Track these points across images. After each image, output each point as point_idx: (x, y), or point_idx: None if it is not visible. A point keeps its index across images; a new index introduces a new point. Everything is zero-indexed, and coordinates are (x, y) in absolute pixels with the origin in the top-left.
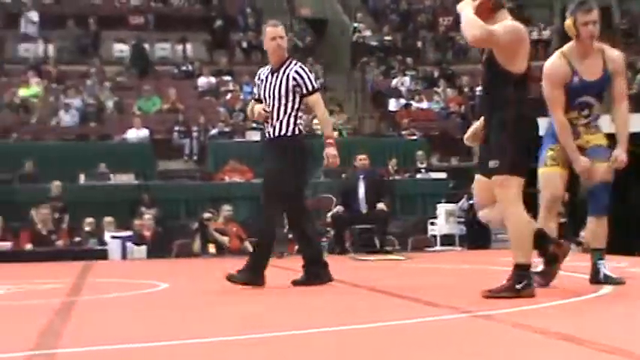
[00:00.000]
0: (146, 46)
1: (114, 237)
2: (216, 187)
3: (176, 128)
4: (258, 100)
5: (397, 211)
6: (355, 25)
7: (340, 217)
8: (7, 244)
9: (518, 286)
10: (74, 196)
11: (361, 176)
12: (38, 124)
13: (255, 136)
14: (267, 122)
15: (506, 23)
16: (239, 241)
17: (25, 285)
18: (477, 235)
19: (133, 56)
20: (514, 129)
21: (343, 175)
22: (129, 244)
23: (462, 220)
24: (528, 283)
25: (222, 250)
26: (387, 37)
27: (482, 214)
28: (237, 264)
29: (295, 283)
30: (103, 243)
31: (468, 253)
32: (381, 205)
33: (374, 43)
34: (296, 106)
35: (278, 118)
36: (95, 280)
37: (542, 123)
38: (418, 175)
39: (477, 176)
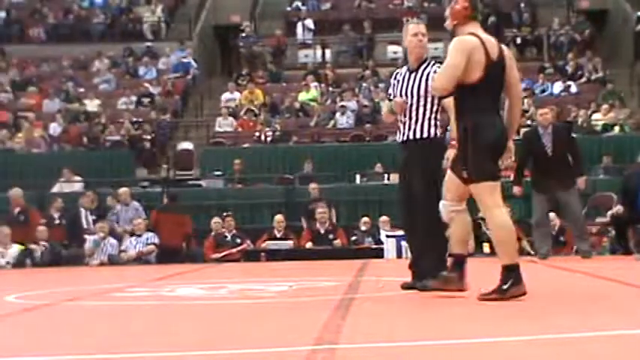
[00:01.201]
0: None
1: (389, 236)
2: None
3: (448, 128)
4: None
5: None
6: (639, 13)
7: (620, 216)
8: (289, 243)
9: (504, 287)
10: (351, 196)
11: None
12: (316, 127)
13: None
14: (403, 123)
15: (454, 45)
16: (518, 241)
17: (306, 282)
18: None
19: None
20: (474, 136)
21: (625, 172)
22: (404, 243)
23: None
24: (514, 282)
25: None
26: None
27: (441, 205)
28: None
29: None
30: (378, 242)
31: None
32: None
33: None
34: (435, 107)
35: (417, 120)
36: (372, 278)
37: None
38: None
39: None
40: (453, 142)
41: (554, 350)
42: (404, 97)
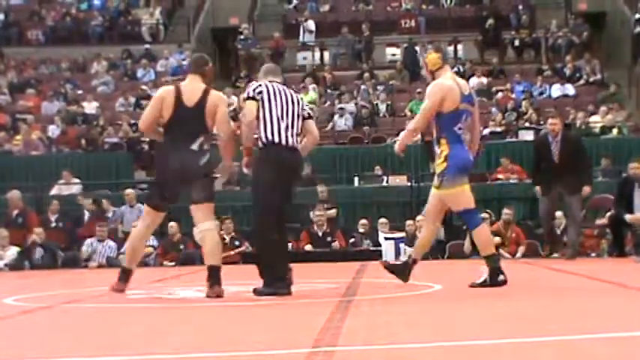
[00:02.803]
0: (417, 48)
1: (387, 238)
2: (489, 188)
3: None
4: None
5: None
6: (637, 16)
7: (617, 218)
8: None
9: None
10: (349, 198)
11: (636, 184)
12: None
13: (528, 135)
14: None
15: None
16: (516, 244)
17: (305, 284)
18: None
19: (405, 59)
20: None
21: (624, 175)
22: (402, 245)
23: None
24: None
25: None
26: None
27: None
28: (507, 267)
29: None
30: (377, 244)
31: None
32: None
33: None
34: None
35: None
36: (370, 280)
37: None
38: None
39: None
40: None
41: (551, 352)
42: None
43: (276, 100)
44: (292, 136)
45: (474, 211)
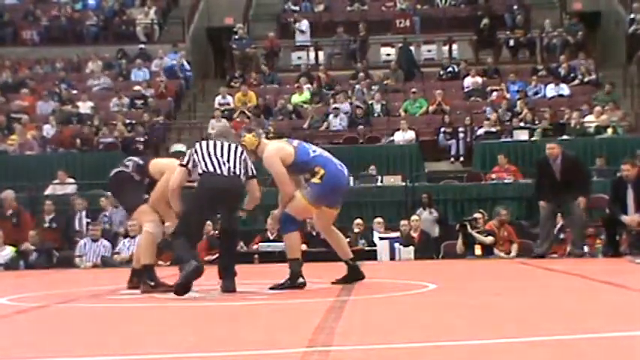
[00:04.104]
0: (412, 48)
1: (382, 238)
2: (484, 187)
3: (442, 129)
4: None
5: None
6: (632, 16)
7: (610, 219)
8: (282, 245)
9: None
10: (344, 198)
11: (629, 185)
12: (309, 129)
13: (522, 135)
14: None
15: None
16: (509, 243)
17: None
18: None
19: (400, 59)
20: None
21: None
22: (397, 245)
23: None
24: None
25: (490, 252)
26: None
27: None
28: (502, 266)
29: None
30: (371, 244)
31: None
32: None
33: None
34: None
35: None
36: (365, 281)
37: None
38: None
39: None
40: None
41: (545, 352)
42: None
43: (215, 148)
44: (230, 168)
45: (296, 222)
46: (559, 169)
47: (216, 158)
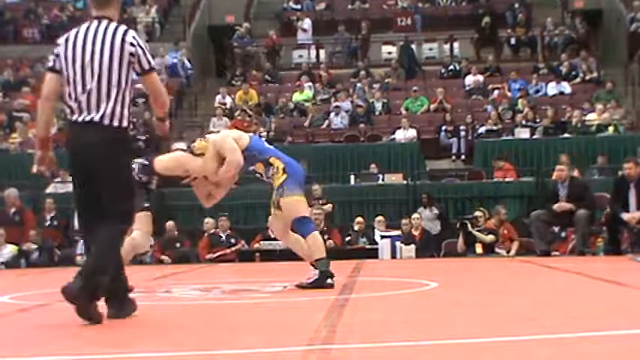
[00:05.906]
0: (413, 46)
1: (383, 236)
2: (485, 186)
3: (443, 128)
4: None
5: None
6: (633, 14)
7: (613, 216)
8: (281, 243)
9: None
10: (345, 197)
11: (631, 183)
12: (310, 128)
13: (524, 133)
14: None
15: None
16: (509, 241)
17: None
18: None
19: (401, 57)
20: None
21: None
22: (398, 243)
23: None
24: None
25: (490, 250)
26: None
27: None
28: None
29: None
30: (373, 242)
31: None
32: None
33: None
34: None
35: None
36: (366, 279)
37: None
38: None
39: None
40: None
41: (547, 350)
42: None
43: (74, 56)
44: (93, 105)
45: (311, 221)
46: (565, 194)
47: (74, 82)
